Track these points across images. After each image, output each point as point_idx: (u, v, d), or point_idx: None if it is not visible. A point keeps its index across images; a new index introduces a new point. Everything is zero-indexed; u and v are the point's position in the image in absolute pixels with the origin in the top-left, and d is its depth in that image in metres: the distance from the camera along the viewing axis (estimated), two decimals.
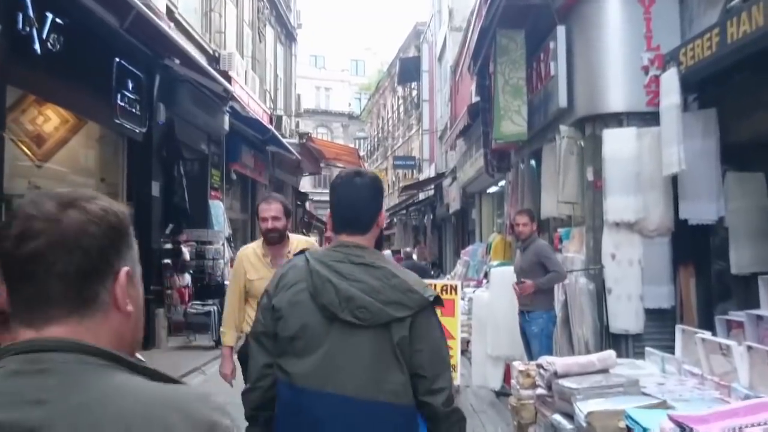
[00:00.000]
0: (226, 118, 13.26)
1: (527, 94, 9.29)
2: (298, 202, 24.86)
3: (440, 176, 22.61)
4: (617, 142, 7.45)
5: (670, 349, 6.81)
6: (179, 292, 10.61)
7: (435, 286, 7.37)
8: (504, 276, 7.07)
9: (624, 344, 7.23)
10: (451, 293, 7.30)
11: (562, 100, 8.21)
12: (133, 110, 9.50)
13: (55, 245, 0.95)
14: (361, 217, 2.16)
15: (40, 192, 1.08)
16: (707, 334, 4.53)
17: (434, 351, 2.03)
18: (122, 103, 9.14)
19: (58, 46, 7.30)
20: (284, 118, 19.02)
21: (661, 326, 7.25)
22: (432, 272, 20.51)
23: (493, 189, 15.56)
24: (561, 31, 8.20)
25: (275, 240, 4.18)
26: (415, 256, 14.39)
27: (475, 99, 13.43)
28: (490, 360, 7.02)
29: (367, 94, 52.05)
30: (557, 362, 4.15)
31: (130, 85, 9.37)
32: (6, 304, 1.00)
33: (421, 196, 28.55)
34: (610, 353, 4.27)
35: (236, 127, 14.40)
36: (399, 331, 1.95)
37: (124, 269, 1.04)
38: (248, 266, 4.29)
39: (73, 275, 0.97)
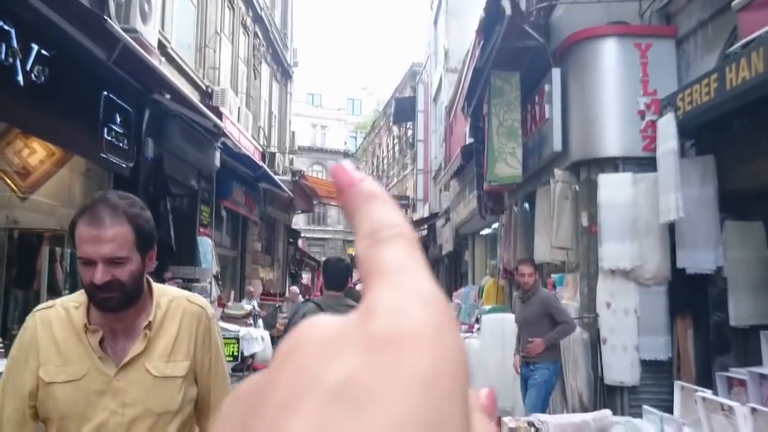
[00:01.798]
0: (218, 154, 13.10)
1: (522, 136, 9.16)
2: (290, 240, 24.60)
3: (433, 216, 22.44)
4: (613, 188, 7.31)
5: (668, 402, 6.54)
6: None
7: None
8: (495, 324, 6.83)
9: (619, 397, 6.97)
10: None
11: (557, 144, 8.08)
12: (121, 145, 9.31)
13: None
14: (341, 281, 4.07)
15: None
16: (708, 393, 4.30)
17: None
18: (109, 138, 8.95)
19: (43, 78, 7.13)
20: (278, 155, 18.90)
21: (657, 379, 7.01)
22: None
23: (486, 231, 15.37)
24: (556, 73, 8.11)
25: (114, 305, 1.90)
26: None
27: (468, 140, 13.33)
28: None
29: (363, 132, 52.28)
30: (550, 421, 3.90)
31: (118, 119, 9.19)
32: None
33: None
34: (606, 413, 4.01)
35: (228, 164, 14.23)
36: None
37: None
38: (47, 352, 1.92)
39: None
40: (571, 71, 8.03)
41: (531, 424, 4.09)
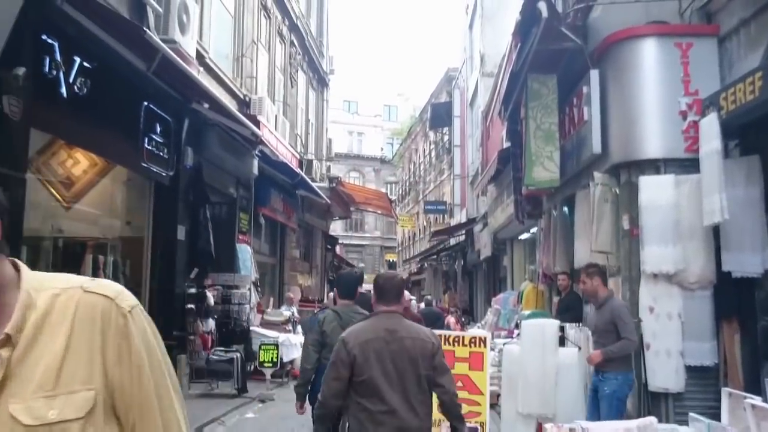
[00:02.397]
0: (255, 162, 13.23)
1: (560, 139, 9.05)
2: (328, 246, 24.73)
3: (471, 222, 22.32)
4: (654, 190, 7.16)
5: (714, 410, 6.37)
6: (202, 338, 10.41)
7: (463, 338, 7.06)
8: (535, 329, 6.72)
9: (664, 404, 6.81)
10: (479, 346, 6.97)
11: (596, 146, 7.96)
12: (161, 154, 9.46)
13: None
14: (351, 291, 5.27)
15: None
16: (757, 400, 4.17)
17: None
18: (149, 147, 9.10)
19: (85, 90, 7.28)
20: (315, 162, 19.02)
21: (703, 385, 6.83)
22: (463, 319, 20.10)
23: (525, 236, 15.22)
24: (594, 75, 8.00)
25: None
26: (435, 302, 14.00)
27: (506, 144, 13.23)
28: (521, 418, 6.63)
29: (399, 139, 52.30)
30: (593, 428, 3.82)
31: (158, 129, 9.35)
32: None
33: (452, 241, 28.22)
34: (651, 420, 3.92)
35: (266, 171, 14.36)
36: None
37: None
38: None
39: None
40: (609, 72, 7.90)
41: (573, 431, 4.01)
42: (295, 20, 17.88)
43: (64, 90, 6.97)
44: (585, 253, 8.64)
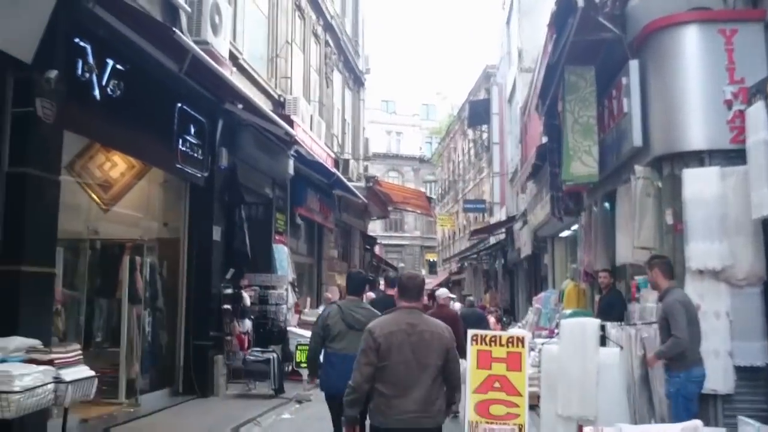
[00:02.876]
0: (291, 162, 13.21)
1: (599, 133, 8.79)
2: (367, 246, 24.66)
3: (511, 220, 22.01)
4: (699, 183, 6.88)
5: (765, 413, 6.07)
6: (239, 339, 10.41)
7: (500, 338, 6.87)
8: (575, 328, 6.50)
9: (712, 406, 6.53)
10: (517, 345, 6.77)
11: (637, 139, 7.70)
12: (195, 155, 9.49)
13: None
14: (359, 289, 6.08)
15: None
16: None
17: None
18: (184, 148, 9.13)
19: (118, 92, 7.31)
20: (351, 161, 18.97)
21: (753, 387, 6.53)
22: (504, 319, 19.81)
23: (566, 233, 14.90)
24: (634, 65, 7.73)
25: None
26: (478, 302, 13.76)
27: (544, 140, 12.96)
28: (561, 420, 6.42)
29: (438, 138, 52.04)
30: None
31: (192, 130, 9.38)
32: None
33: (492, 240, 27.91)
34: (696, 424, 3.70)
35: (302, 172, 14.34)
36: None
37: None
38: None
39: None
40: (650, 62, 7.63)
41: None
42: (329, 20, 17.84)
43: (97, 92, 7.01)
44: (627, 249, 8.37)
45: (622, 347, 6.44)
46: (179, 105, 8.97)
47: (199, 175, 9.69)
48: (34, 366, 4.94)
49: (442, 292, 10.45)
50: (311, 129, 13.97)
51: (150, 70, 8.04)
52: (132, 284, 8.78)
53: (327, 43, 17.94)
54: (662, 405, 6.62)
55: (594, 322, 6.53)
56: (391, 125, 58.05)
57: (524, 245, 18.89)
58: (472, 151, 37.66)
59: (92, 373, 5.55)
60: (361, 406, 4.14)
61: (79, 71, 6.73)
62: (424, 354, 4.03)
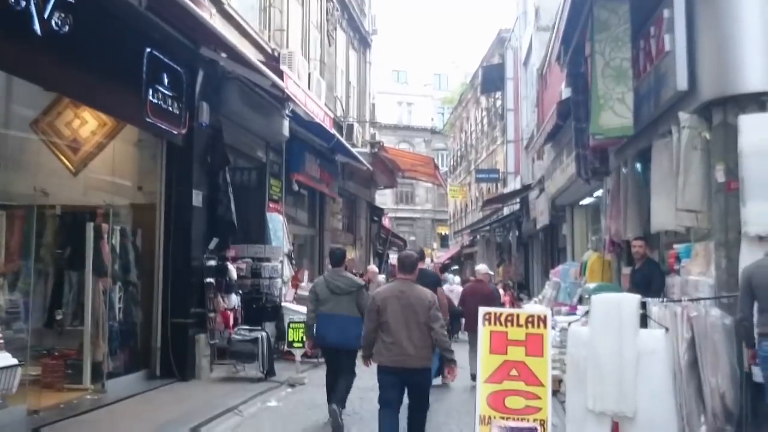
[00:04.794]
0: (286, 123, 12.04)
1: (633, 78, 7.56)
2: (374, 218, 23.51)
3: (526, 188, 20.76)
4: (760, 131, 5.76)
5: None
6: (224, 316, 9.33)
7: (518, 317, 5.76)
8: (609, 306, 5.36)
9: None
10: (538, 326, 5.66)
11: (681, 81, 6.50)
12: (170, 109, 8.36)
13: None
14: (339, 261, 7.43)
15: None
16: None
17: (365, 302, 6.58)
18: (155, 100, 8.00)
19: (66, 27, 6.16)
20: (356, 126, 17.74)
21: None
22: (519, 294, 18.69)
23: (587, 201, 13.68)
24: None
25: None
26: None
27: (565, 95, 11.70)
28: (592, 416, 5.30)
29: (450, 108, 50.51)
30: None
31: (166, 80, 8.23)
32: None
33: (506, 211, 26.69)
34: None
35: (299, 134, 13.19)
36: (354, 294, 6.96)
37: None
38: None
39: None
40: None
41: None
42: None
43: (37, 26, 5.86)
44: (666, 213, 7.19)
45: (667, 329, 5.29)
46: (149, 50, 7.82)
47: (175, 132, 8.56)
48: None
49: (482, 267, 11.14)
50: (309, 88, 12.78)
51: (107, 5, 6.87)
52: (97, 254, 7.73)
53: None
54: (714, 397, 5.49)
55: (633, 299, 5.36)
56: (403, 96, 56.60)
57: (541, 215, 17.67)
58: (485, 120, 36.30)
59: (14, 361, 4.51)
60: (372, 347, 5.71)
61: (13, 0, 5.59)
62: (410, 312, 5.53)
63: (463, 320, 10.64)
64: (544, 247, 20.32)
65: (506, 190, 26.80)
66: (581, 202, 14.24)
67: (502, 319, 5.70)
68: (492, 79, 29.35)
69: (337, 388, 6.75)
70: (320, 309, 7.00)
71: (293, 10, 13.75)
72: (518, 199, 23.04)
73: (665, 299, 5.86)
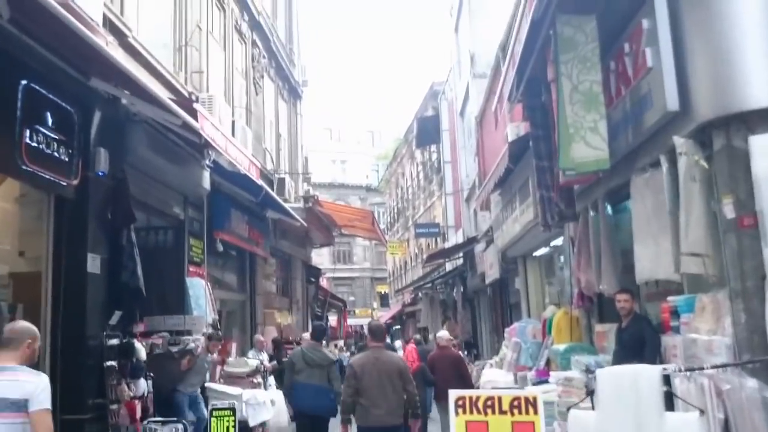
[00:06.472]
0: (206, 174, 10.60)
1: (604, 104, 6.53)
2: (311, 279, 21.98)
3: (471, 241, 19.70)
4: None
5: None
6: (129, 407, 7.62)
7: (500, 399, 4.45)
8: (621, 381, 4.11)
9: None
10: (527, 411, 4.37)
11: (671, 101, 5.48)
12: (55, 154, 6.84)
13: None
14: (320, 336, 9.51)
15: None
16: None
17: (334, 375, 8.29)
18: (34, 144, 6.48)
19: None
20: (288, 180, 16.39)
21: None
22: (468, 353, 17.36)
23: (542, 251, 12.62)
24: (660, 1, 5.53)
25: None
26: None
27: (512, 137, 10.71)
28: None
29: (385, 164, 49.87)
30: None
31: (50, 120, 6.75)
32: None
33: (449, 266, 25.61)
34: None
35: (223, 187, 11.77)
36: (327, 368, 8.27)
37: None
38: None
39: None
40: None
41: None
42: (256, 17, 15.41)
43: None
44: (654, 260, 6.09)
45: (702, 411, 4.04)
46: (25, 82, 6.35)
47: (64, 184, 7.03)
48: None
49: (444, 334, 11.13)
50: (234, 135, 11.40)
51: None
52: None
53: (255, 44, 15.48)
54: None
55: (653, 371, 4.12)
56: (336, 153, 55.94)
57: (490, 268, 16.54)
58: (421, 174, 35.61)
59: None
60: (350, 411, 6.58)
61: None
62: (385, 376, 6.59)
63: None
64: (493, 304, 19.17)
65: (447, 245, 25.79)
66: (535, 253, 13.18)
67: (480, 404, 4.40)
68: (427, 131, 28.77)
69: None
70: (296, 378, 8.22)
71: (214, 52, 12.49)
72: (461, 253, 21.98)
73: (682, 368, 4.62)
